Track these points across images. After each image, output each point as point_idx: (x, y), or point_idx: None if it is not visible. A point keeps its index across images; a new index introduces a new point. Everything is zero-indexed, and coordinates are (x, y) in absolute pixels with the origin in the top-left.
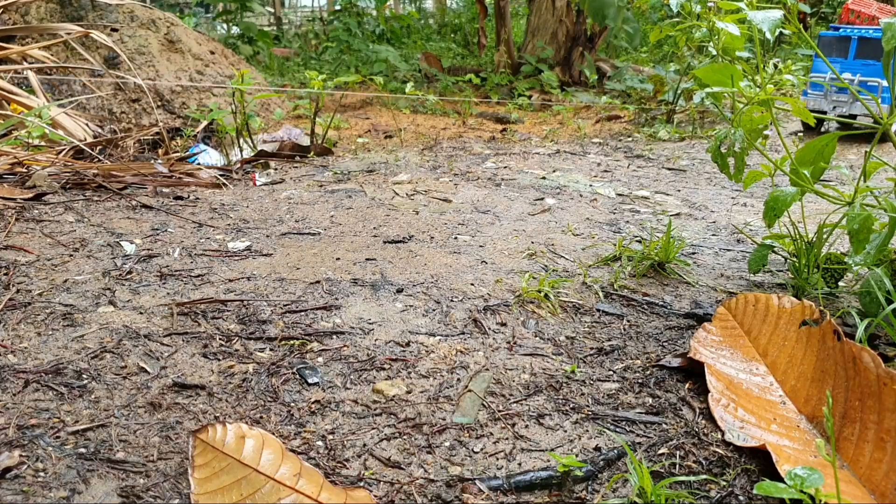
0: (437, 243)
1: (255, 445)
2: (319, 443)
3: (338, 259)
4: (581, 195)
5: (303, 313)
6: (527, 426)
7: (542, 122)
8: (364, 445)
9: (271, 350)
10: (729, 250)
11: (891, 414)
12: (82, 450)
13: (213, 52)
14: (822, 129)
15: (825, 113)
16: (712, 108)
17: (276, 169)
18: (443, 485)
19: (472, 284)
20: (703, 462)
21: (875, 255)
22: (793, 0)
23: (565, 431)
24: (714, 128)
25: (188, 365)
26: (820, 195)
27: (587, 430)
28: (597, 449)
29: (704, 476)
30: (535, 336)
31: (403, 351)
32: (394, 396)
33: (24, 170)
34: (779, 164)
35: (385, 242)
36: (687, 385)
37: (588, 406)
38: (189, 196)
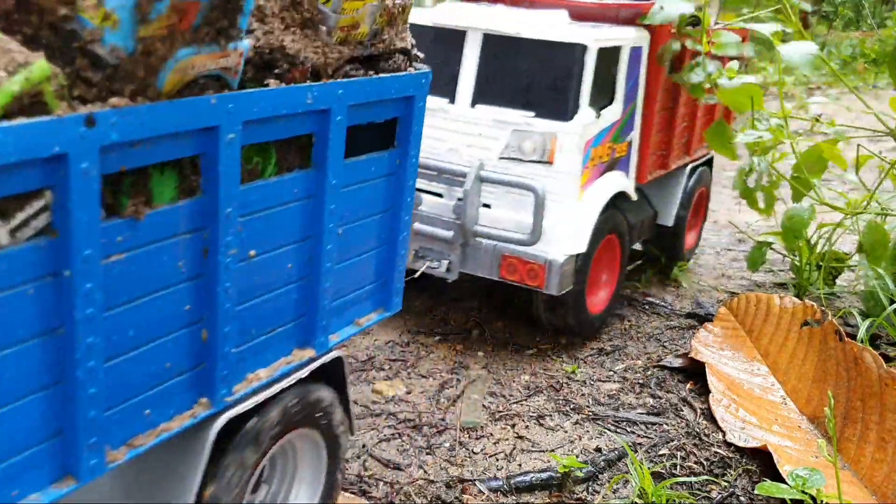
0: None
1: None
2: None
3: None
4: None
5: None
6: (527, 426)
7: None
8: (363, 446)
9: None
10: (730, 250)
11: (892, 414)
12: None
13: None
14: None
15: None
16: None
17: None
18: (442, 486)
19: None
20: (705, 463)
21: (890, 268)
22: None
23: (566, 432)
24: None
25: None
26: (831, 206)
27: (588, 431)
28: (597, 450)
29: (706, 477)
30: (536, 336)
31: (403, 351)
32: (393, 396)
33: None
34: (783, 176)
35: None
36: (688, 385)
37: (588, 406)
38: None
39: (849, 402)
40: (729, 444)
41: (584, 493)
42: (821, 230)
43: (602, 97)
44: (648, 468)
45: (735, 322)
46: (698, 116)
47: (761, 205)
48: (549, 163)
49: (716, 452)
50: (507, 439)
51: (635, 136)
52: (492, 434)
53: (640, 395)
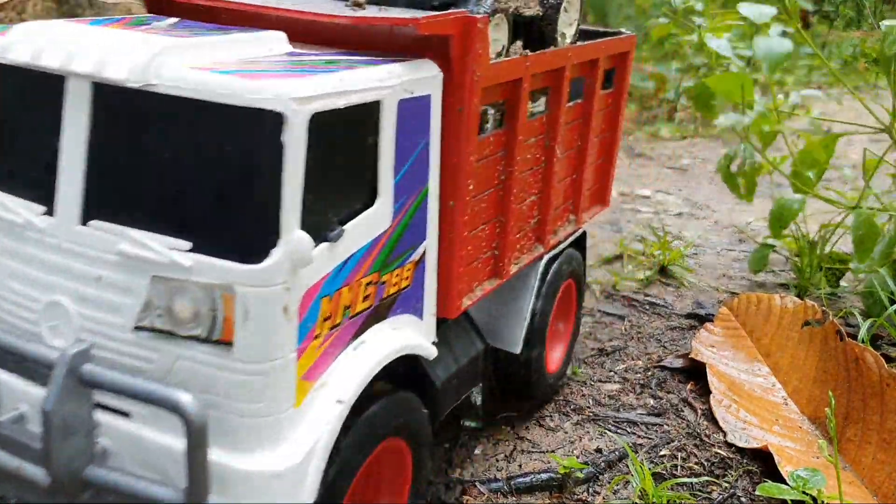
0: None
1: None
2: None
3: None
4: None
5: None
6: (527, 427)
7: None
8: None
9: None
10: (731, 250)
11: (894, 415)
12: None
13: None
14: None
15: None
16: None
17: None
18: (442, 486)
19: None
20: (705, 463)
21: (879, 262)
22: None
23: (566, 433)
24: (714, 127)
25: None
26: (824, 200)
27: (588, 432)
28: (598, 450)
29: (706, 477)
30: None
31: None
32: None
33: None
34: (777, 165)
35: None
36: (689, 386)
37: (589, 407)
38: None
39: (850, 402)
40: (730, 445)
41: (585, 493)
42: (822, 231)
43: (342, 198)
44: (649, 469)
45: (736, 322)
46: (555, 181)
47: (742, 190)
48: (225, 342)
49: (716, 453)
50: (507, 440)
51: (430, 245)
52: (492, 435)
53: (640, 396)
